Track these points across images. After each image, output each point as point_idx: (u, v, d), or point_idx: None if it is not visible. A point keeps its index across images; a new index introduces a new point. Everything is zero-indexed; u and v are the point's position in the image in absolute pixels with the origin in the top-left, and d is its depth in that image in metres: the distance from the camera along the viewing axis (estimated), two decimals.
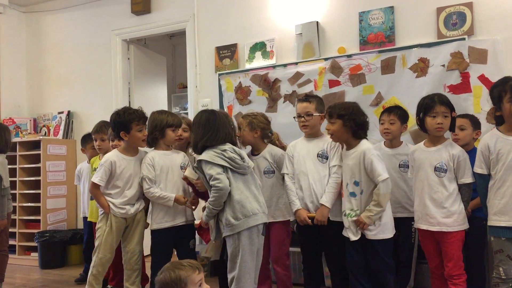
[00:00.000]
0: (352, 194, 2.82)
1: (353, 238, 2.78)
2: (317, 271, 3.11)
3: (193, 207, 3.20)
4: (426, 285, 3.09)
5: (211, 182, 2.68)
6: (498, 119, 2.62)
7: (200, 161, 2.75)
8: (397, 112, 3.28)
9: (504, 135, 2.55)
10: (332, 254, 3.01)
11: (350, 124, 2.81)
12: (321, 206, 2.92)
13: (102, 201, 3.17)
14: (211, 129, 2.79)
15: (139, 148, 3.30)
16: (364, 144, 2.84)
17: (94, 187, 3.17)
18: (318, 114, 3.07)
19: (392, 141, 3.29)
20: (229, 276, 2.73)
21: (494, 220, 2.54)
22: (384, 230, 2.78)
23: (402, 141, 3.33)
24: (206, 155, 2.74)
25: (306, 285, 3.11)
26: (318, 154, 3.02)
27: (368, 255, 2.80)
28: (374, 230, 2.76)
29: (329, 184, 2.96)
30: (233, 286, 2.71)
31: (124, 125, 3.15)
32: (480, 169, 2.63)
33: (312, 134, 3.10)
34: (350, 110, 2.84)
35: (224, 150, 2.75)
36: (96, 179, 3.15)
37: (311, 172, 2.98)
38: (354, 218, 2.78)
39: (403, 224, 3.14)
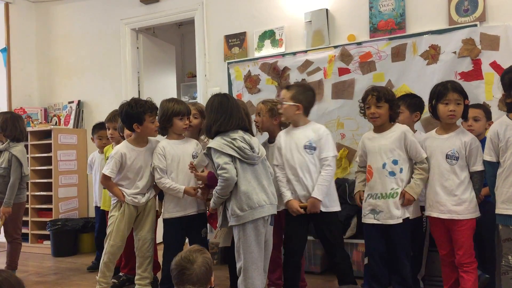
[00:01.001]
0: (392, 174, 2.82)
1: (391, 221, 2.79)
2: (300, 260, 3.06)
3: (204, 197, 3.18)
4: (436, 273, 3.09)
5: (218, 171, 2.68)
6: (509, 106, 2.59)
7: (209, 148, 2.75)
8: (406, 101, 3.25)
9: None
10: (332, 245, 2.98)
11: (394, 109, 2.87)
12: (312, 197, 2.88)
13: (116, 191, 3.20)
14: (224, 113, 2.77)
15: (149, 138, 3.31)
16: (401, 126, 2.90)
17: (105, 178, 3.19)
18: (292, 103, 2.97)
19: None
20: (237, 265, 2.75)
21: (502, 208, 2.53)
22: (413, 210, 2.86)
23: (416, 130, 3.30)
24: (216, 143, 2.72)
25: (294, 274, 3.03)
26: (305, 146, 2.94)
27: (388, 240, 2.85)
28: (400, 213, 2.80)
29: (322, 177, 2.89)
30: (240, 276, 2.71)
31: (138, 117, 3.14)
32: (489, 156, 2.61)
33: (297, 122, 3.02)
34: (394, 96, 2.92)
35: (234, 139, 2.72)
36: (106, 171, 3.17)
37: (299, 164, 2.91)
38: (396, 198, 2.79)
39: None
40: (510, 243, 2.52)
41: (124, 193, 3.18)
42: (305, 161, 2.93)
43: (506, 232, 2.54)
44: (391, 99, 2.86)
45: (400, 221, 2.79)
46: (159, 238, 3.32)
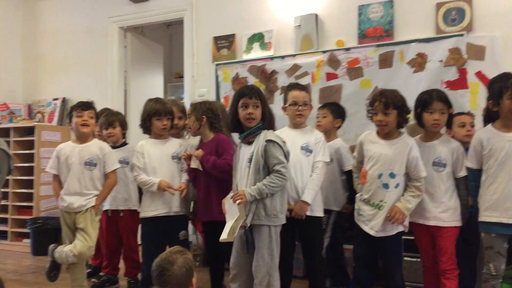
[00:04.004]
0: (385, 186, 2.70)
1: (373, 233, 2.72)
2: (291, 264, 3.05)
3: (177, 193, 3.14)
4: (418, 280, 3.10)
5: (278, 167, 2.52)
6: (490, 115, 2.62)
7: (272, 141, 2.57)
8: (331, 107, 3.42)
9: (499, 131, 2.56)
10: (311, 250, 2.97)
11: (403, 115, 2.73)
12: (301, 201, 2.86)
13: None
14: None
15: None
16: (408, 138, 2.78)
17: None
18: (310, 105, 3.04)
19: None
20: (257, 265, 2.56)
21: (485, 216, 2.55)
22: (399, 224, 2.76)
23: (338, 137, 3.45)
24: (278, 139, 2.61)
25: (284, 277, 2.88)
26: (301, 146, 2.93)
27: (381, 250, 2.80)
28: (396, 226, 2.73)
29: (313, 181, 2.88)
30: (268, 279, 2.55)
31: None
32: (470, 163, 2.64)
33: (300, 125, 3.01)
34: (403, 102, 2.75)
35: (282, 138, 2.66)
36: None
37: (293, 164, 2.83)
38: (383, 211, 2.69)
39: None
40: (491, 251, 2.55)
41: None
42: (299, 161, 2.90)
43: (487, 240, 2.56)
44: (400, 106, 2.70)
45: (392, 233, 2.74)
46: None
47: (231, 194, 2.66)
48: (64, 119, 5.54)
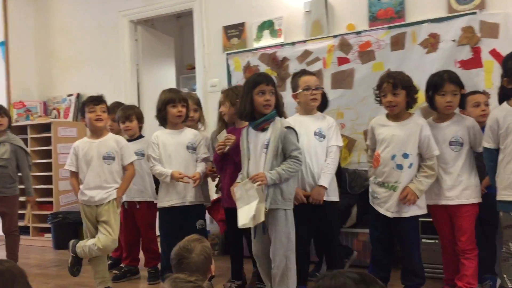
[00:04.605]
0: (399, 167, 2.72)
1: (390, 214, 2.74)
2: (308, 251, 3.06)
3: (192, 182, 3.13)
4: (438, 261, 3.10)
5: (295, 153, 2.62)
6: (505, 92, 2.59)
7: (290, 128, 2.67)
8: None
9: None
10: (329, 234, 2.99)
11: (411, 95, 2.75)
12: (318, 186, 2.88)
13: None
14: None
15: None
16: (419, 118, 2.80)
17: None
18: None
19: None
20: (275, 250, 2.62)
21: (504, 194, 2.53)
22: (419, 205, 2.77)
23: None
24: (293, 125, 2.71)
25: (303, 264, 2.96)
26: (315, 132, 2.94)
27: (397, 232, 2.81)
28: (412, 207, 2.73)
29: (328, 166, 2.90)
30: (285, 262, 2.61)
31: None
32: (487, 143, 2.61)
33: (311, 111, 3.02)
34: (411, 82, 2.77)
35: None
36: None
37: (307, 150, 2.87)
38: (397, 192, 2.71)
39: None
40: (510, 229, 2.53)
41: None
42: (314, 147, 2.91)
43: (507, 219, 2.54)
44: (408, 85, 2.73)
45: (407, 215, 2.75)
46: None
47: (242, 180, 2.69)
48: (79, 115, 5.60)
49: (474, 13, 3.64)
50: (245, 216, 2.57)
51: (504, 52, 3.36)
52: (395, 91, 2.72)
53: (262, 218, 2.55)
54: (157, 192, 3.43)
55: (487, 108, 3.01)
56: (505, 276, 2.58)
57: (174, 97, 3.21)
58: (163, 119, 3.27)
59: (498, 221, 2.69)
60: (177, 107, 3.21)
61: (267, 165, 2.61)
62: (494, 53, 3.55)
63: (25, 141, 5.16)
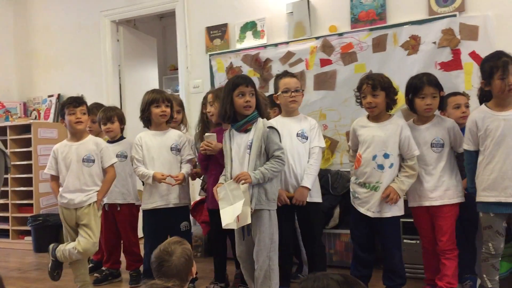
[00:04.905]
0: (380, 167, 2.75)
1: (371, 214, 2.77)
2: (291, 252, 3.06)
3: (173, 183, 3.11)
4: (418, 262, 3.13)
5: (277, 153, 2.64)
6: (484, 94, 2.63)
7: (272, 128, 2.70)
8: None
9: (492, 111, 2.56)
10: (312, 235, 3.00)
11: (391, 96, 2.79)
12: (301, 187, 2.89)
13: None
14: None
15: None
16: (399, 118, 2.84)
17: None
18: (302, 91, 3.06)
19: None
20: (259, 250, 2.63)
21: (483, 196, 2.56)
22: (399, 206, 2.81)
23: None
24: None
25: (286, 265, 3.00)
26: (297, 133, 2.96)
27: (379, 232, 2.84)
28: (393, 207, 2.77)
29: (311, 167, 2.93)
30: (268, 263, 2.61)
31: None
32: (467, 145, 2.65)
33: (292, 112, 3.04)
34: (390, 83, 2.81)
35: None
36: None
37: (290, 151, 2.90)
38: (379, 192, 2.74)
39: None
40: (490, 230, 2.57)
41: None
42: (296, 148, 2.93)
43: (486, 220, 2.58)
44: (387, 87, 2.77)
45: (389, 215, 2.78)
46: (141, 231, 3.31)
47: (225, 181, 2.69)
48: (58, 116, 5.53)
49: (454, 15, 3.68)
50: (230, 216, 2.57)
51: (483, 54, 3.38)
52: (375, 92, 2.76)
53: (249, 221, 2.55)
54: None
55: (467, 110, 3.05)
56: (484, 276, 2.62)
57: (157, 97, 3.19)
58: (147, 120, 3.25)
59: (478, 222, 2.73)
60: (160, 107, 3.19)
61: (251, 165, 2.63)
62: (473, 55, 3.60)
63: (4, 142, 5.08)
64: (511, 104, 2.54)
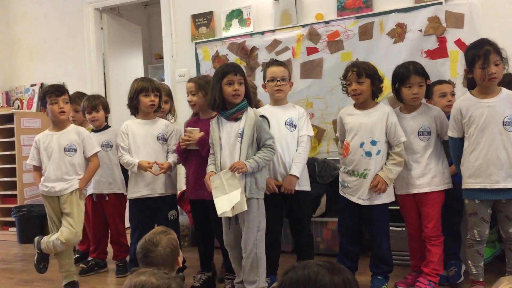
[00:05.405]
0: (368, 154, 2.75)
1: (362, 202, 2.77)
2: (279, 241, 3.07)
3: (157, 172, 3.06)
4: (404, 249, 3.15)
5: (269, 142, 2.68)
6: (470, 81, 2.64)
7: (263, 117, 2.74)
8: None
9: (477, 98, 2.58)
10: (300, 223, 3.01)
11: (376, 84, 2.79)
12: (289, 175, 2.89)
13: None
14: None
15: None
16: (384, 105, 2.84)
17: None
18: (289, 80, 3.04)
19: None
20: (246, 236, 2.64)
21: (469, 183, 2.58)
22: (389, 193, 2.82)
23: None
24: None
25: (274, 253, 2.99)
26: (286, 122, 2.95)
27: (368, 220, 2.84)
28: (382, 194, 2.77)
29: (299, 155, 2.92)
30: (255, 251, 2.63)
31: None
32: (452, 132, 2.66)
33: (280, 101, 3.03)
34: (375, 70, 2.82)
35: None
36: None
37: (278, 140, 2.88)
38: (368, 179, 2.73)
39: None
40: (475, 217, 2.60)
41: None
42: (285, 137, 2.93)
43: (471, 207, 2.60)
44: (372, 74, 2.76)
45: (378, 202, 2.78)
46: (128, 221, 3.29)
47: (215, 170, 2.69)
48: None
49: (440, 3, 3.69)
50: (226, 205, 2.58)
51: (468, 42, 3.37)
52: (360, 79, 2.76)
53: (245, 208, 2.57)
54: (126, 184, 3.38)
55: (453, 98, 3.07)
56: (469, 262, 2.65)
57: (147, 86, 3.14)
58: (135, 108, 3.21)
59: (463, 209, 2.75)
60: (149, 97, 3.15)
61: (243, 153, 2.64)
62: (459, 43, 3.61)
63: None
64: (495, 91, 2.56)
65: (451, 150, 2.71)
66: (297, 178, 2.89)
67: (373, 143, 2.75)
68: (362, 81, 2.76)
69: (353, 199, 2.81)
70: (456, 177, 2.81)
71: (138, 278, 1.25)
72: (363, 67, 2.77)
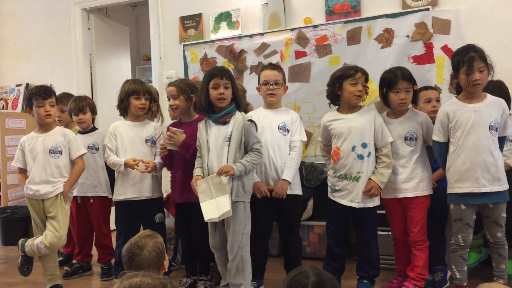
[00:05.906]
0: (360, 157, 2.75)
1: (356, 205, 2.77)
2: (267, 245, 3.07)
3: (143, 170, 3.04)
4: (389, 253, 3.16)
5: (257, 146, 2.69)
6: (458, 86, 2.67)
7: (251, 121, 2.75)
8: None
9: (463, 103, 2.61)
10: (290, 226, 3.01)
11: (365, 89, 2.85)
12: (281, 180, 2.89)
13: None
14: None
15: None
16: (370, 108, 2.89)
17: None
18: (283, 84, 3.04)
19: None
20: (232, 241, 2.66)
21: (456, 187, 2.60)
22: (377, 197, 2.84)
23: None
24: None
25: (261, 257, 3.01)
26: (279, 126, 2.95)
27: (358, 223, 2.85)
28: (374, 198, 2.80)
29: (292, 160, 2.92)
30: (241, 254, 2.64)
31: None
32: (437, 136, 2.68)
33: (274, 105, 3.02)
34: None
35: None
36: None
37: (271, 144, 2.90)
38: (360, 182, 2.75)
39: None
40: (460, 223, 2.62)
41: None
42: (277, 141, 2.92)
43: (457, 213, 2.62)
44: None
45: (371, 205, 2.80)
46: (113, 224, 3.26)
47: (202, 173, 2.69)
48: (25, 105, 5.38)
49: (427, 9, 3.72)
50: (213, 210, 2.57)
51: (455, 48, 3.40)
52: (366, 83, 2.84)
53: (231, 213, 2.56)
54: (112, 187, 3.35)
55: (438, 104, 3.09)
56: (453, 267, 2.67)
57: (138, 89, 3.13)
58: (124, 109, 3.19)
59: (448, 214, 2.78)
60: (140, 100, 3.14)
61: (230, 157, 2.64)
62: (445, 49, 3.64)
63: None
64: (480, 97, 2.60)
65: (437, 155, 2.73)
66: (289, 183, 2.89)
67: (364, 145, 2.77)
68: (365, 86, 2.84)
69: (345, 202, 2.81)
70: (441, 182, 2.83)
71: (131, 280, 1.24)
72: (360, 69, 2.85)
